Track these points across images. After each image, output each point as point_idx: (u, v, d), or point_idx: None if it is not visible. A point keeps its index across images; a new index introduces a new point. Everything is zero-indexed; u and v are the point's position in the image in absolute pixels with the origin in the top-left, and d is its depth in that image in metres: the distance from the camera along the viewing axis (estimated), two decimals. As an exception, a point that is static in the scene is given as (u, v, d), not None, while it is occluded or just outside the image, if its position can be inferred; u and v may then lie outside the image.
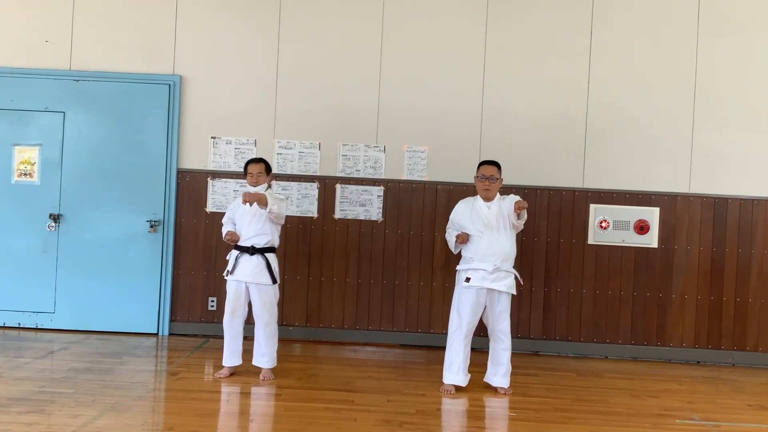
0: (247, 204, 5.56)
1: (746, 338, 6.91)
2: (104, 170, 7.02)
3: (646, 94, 6.96)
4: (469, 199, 5.68)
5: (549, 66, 6.99)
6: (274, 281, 5.64)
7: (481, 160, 5.80)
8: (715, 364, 6.90)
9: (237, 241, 5.65)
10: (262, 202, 5.49)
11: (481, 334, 5.73)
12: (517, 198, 5.52)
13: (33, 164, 7.04)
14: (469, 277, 5.46)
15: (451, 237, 5.64)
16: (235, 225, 5.73)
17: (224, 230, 5.75)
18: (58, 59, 7.04)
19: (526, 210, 5.45)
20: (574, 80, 6.98)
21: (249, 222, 5.63)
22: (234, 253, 5.67)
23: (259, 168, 5.69)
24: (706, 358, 6.93)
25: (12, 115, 7.05)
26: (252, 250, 5.61)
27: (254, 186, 5.66)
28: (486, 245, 5.43)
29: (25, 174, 7.05)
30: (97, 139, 7.04)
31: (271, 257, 5.66)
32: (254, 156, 6.81)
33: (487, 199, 5.53)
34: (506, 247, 5.48)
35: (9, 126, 7.05)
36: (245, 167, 5.75)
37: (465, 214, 5.58)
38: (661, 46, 6.97)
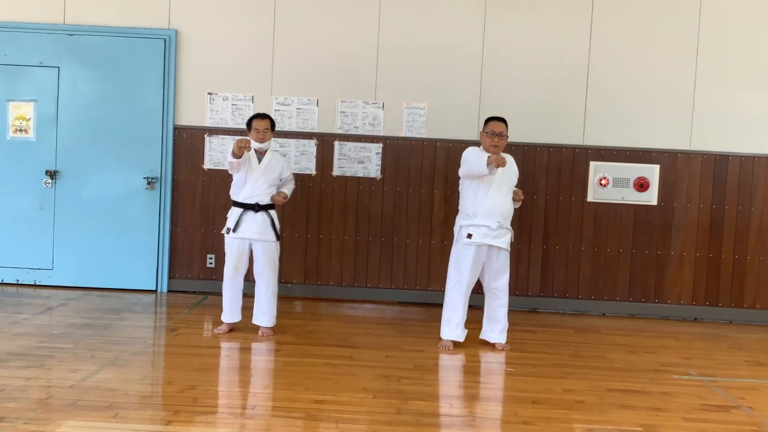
0: (254, 154, 5.53)
1: (744, 295, 6.93)
2: (100, 126, 6.96)
3: (648, 50, 6.88)
4: (477, 150, 5.57)
5: (550, 22, 6.89)
6: (278, 237, 5.62)
7: (489, 116, 5.64)
8: (712, 321, 6.93)
9: (249, 149, 5.36)
10: (282, 199, 5.63)
11: (478, 291, 5.73)
12: (514, 163, 5.52)
13: (28, 120, 6.98)
14: (470, 233, 5.43)
15: (478, 158, 5.26)
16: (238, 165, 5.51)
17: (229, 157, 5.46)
18: (52, 13, 6.93)
19: (521, 200, 5.59)
20: (576, 37, 6.89)
21: (257, 179, 5.54)
22: (236, 210, 5.59)
23: (266, 124, 5.59)
24: (704, 315, 6.95)
25: (6, 70, 6.95)
26: (257, 207, 5.56)
27: (260, 142, 5.55)
28: (491, 201, 5.39)
29: (21, 130, 6.99)
30: (92, 95, 6.96)
31: (273, 214, 5.62)
32: (252, 112, 6.71)
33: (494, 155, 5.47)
34: (508, 204, 5.46)
35: (3, 81, 6.97)
36: (249, 122, 5.63)
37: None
38: (664, 3, 6.86)
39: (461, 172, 5.47)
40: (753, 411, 4.43)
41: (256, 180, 5.54)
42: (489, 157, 5.21)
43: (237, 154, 5.33)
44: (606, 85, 6.89)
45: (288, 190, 5.76)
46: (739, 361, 5.64)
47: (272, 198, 5.59)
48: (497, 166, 5.17)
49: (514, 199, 5.53)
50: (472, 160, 5.32)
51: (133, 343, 5.31)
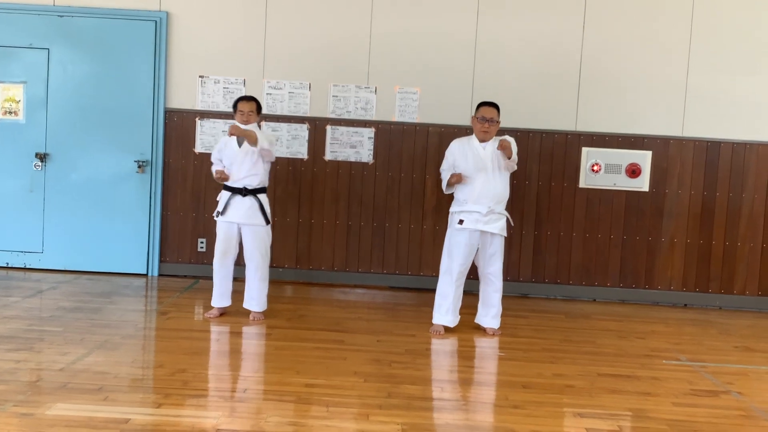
0: (234, 139, 5.49)
1: (734, 282, 6.96)
2: (91, 109, 6.91)
3: (642, 36, 6.86)
4: (463, 139, 5.59)
5: (544, 7, 6.86)
6: (268, 222, 5.59)
7: (481, 101, 5.64)
8: (702, 307, 6.96)
9: (227, 180, 5.58)
10: (252, 139, 5.39)
11: (471, 276, 5.73)
12: (505, 138, 5.46)
13: (18, 102, 6.92)
14: (462, 219, 5.42)
15: (445, 177, 5.54)
16: (222, 163, 5.63)
17: (214, 169, 5.68)
18: (41, -6, 6.87)
19: (514, 148, 5.34)
20: (570, 22, 6.86)
21: (241, 162, 5.51)
22: (225, 194, 5.58)
23: (251, 106, 5.56)
24: (694, 301, 6.98)
25: (-5, 51, 6.90)
26: (245, 192, 5.54)
27: (244, 124, 5.53)
28: (480, 187, 5.38)
29: (10, 112, 6.93)
30: (82, 77, 6.90)
31: (263, 198, 5.59)
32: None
33: (484, 140, 5.46)
34: (500, 189, 5.44)
35: (-8, 63, 6.91)
36: (235, 105, 5.61)
37: (460, 154, 5.48)
38: (658, -13, 6.85)
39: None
40: (742, 396, 4.46)
41: (240, 164, 5.52)
42: (451, 176, 5.42)
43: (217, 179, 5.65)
44: (599, 70, 6.88)
45: (262, 139, 5.43)
46: (729, 346, 5.66)
47: (239, 130, 5.39)
48: (457, 183, 5.43)
49: (500, 149, 5.27)
50: (444, 172, 5.54)
51: (123, 326, 5.29)
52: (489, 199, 5.39)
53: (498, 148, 5.31)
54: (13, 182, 6.95)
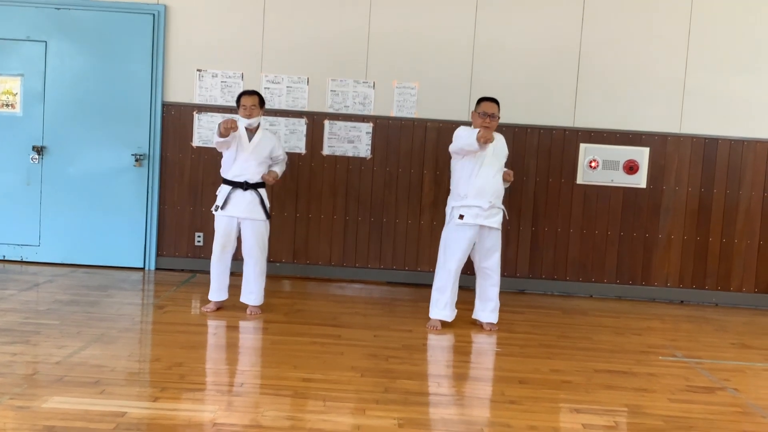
0: (244, 131, 5.49)
1: (730, 278, 6.97)
2: (88, 102, 6.89)
3: (640, 32, 6.86)
4: (466, 129, 5.55)
5: (543, 3, 6.85)
6: (268, 216, 5.59)
7: (482, 97, 5.61)
8: (698, 303, 6.97)
9: (236, 129, 5.35)
10: (274, 179, 5.65)
11: (468, 272, 5.73)
12: (504, 143, 5.52)
13: (15, 95, 6.90)
14: (462, 214, 5.41)
15: (469, 136, 5.21)
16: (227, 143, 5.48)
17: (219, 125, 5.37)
18: (39, -14, 6.84)
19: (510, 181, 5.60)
20: (568, 19, 6.86)
21: (247, 158, 5.50)
22: (225, 188, 5.56)
23: (253, 100, 5.55)
24: (690, 297, 6.99)
25: (-8, 44, 6.88)
26: (246, 186, 5.53)
27: (248, 118, 5.51)
28: (482, 181, 5.37)
29: (7, 105, 6.91)
30: (80, 70, 6.88)
31: (263, 192, 5.59)
32: (241, 90, 6.66)
33: (485, 135, 5.46)
34: (499, 183, 5.45)
35: (-11, 55, 6.89)
36: (238, 99, 5.59)
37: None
38: (656, -17, 6.85)
39: (452, 147, 5.44)
40: (738, 392, 4.47)
41: (246, 158, 5.50)
42: (477, 132, 5.17)
43: (224, 134, 5.33)
44: (597, 67, 6.88)
45: (279, 169, 5.71)
46: (725, 343, 5.68)
47: (263, 177, 5.55)
48: (485, 142, 5.16)
49: (504, 180, 5.52)
50: (463, 137, 5.30)
51: (120, 320, 5.29)
52: (490, 193, 5.39)
53: (504, 178, 5.48)
54: (10, 175, 6.93)
